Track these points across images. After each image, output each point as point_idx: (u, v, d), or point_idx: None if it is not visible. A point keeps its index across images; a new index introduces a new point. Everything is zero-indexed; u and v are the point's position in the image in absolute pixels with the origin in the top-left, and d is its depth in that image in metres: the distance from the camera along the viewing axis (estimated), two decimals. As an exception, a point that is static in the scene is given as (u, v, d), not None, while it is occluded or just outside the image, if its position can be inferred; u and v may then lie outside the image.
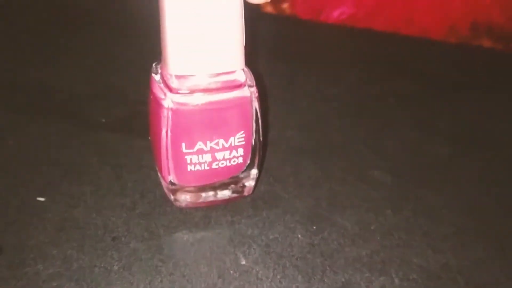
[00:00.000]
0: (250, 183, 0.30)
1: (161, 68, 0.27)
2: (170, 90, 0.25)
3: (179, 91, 0.25)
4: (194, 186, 0.28)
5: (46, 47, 0.42)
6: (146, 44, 0.35)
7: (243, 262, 0.28)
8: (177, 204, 0.29)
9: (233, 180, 0.29)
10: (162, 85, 0.26)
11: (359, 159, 0.35)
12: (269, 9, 0.51)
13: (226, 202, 0.30)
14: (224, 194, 0.29)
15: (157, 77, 0.27)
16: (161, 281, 0.27)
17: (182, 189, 0.28)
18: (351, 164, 0.34)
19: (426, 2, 0.49)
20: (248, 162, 0.28)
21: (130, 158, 0.33)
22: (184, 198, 0.29)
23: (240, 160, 0.28)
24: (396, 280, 0.28)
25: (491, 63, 0.46)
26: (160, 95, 0.26)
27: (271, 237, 0.29)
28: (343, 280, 0.27)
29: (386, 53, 0.45)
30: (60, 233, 0.28)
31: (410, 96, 0.40)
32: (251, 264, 0.28)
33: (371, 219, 0.31)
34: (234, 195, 0.30)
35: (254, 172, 0.29)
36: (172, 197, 0.29)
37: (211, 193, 0.29)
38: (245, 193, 0.30)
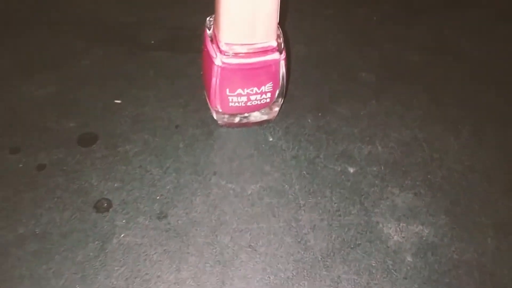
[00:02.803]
0: (274, 113, 0.38)
1: (213, 28, 0.33)
2: (220, 52, 0.32)
3: (226, 53, 0.32)
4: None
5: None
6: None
7: (270, 139, 0.37)
8: (219, 122, 0.37)
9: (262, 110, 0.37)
10: (214, 45, 0.33)
11: (351, 65, 0.43)
12: None
13: (255, 124, 0.38)
14: (254, 118, 0.37)
15: (209, 33, 0.34)
16: (215, 154, 0.36)
17: (223, 113, 0.36)
18: (345, 69, 0.43)
19: None
20: (274, 100, 0.36)
21: (178, 69, 0.41)
22: (223, 118, 0.37)
23: (268, 100, 0.35)
24: (379, 147, 0.37)
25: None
26: (212, 54, 0.33)
27: (288, 122, 0.38)
28: (342, 148, 0.37)
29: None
30: (136, 124, 0.37)
31: (389, 16, 0.49)
32: (276, 140, 0.37)
33: (360, 107, 0.40)
34: (261, 119, 0.38)
35: (277, 105, 0.37)
36: (215, 117, 0.37)
37: (244, 116, 0.37)
38: (270, 118, 0.38)
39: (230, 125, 0.37)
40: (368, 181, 0.35)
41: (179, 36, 0.44)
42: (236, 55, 0.33)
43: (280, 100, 0.37)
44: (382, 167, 0.36)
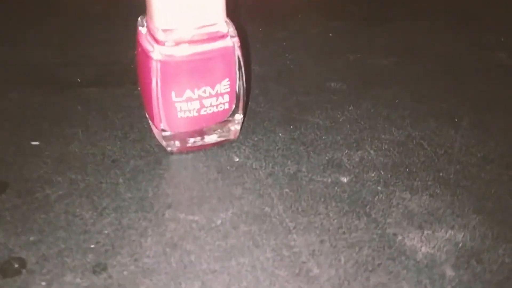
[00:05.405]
0: (235, 127, 0.29)
1: (147, 22, 0.26)
2: (157, 42, 0.24)
3: (166, 43, 0.24)
4: (183, 132, 0.27)
5: (19, 27, 0.41)
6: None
7: (236, 159, 0.28)
8: (169, 149, 0.28)
9: (220, 125, 0.28)
10: (149, 38, 0.25)
11: (316, 77, 0.36)
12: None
13: (213, 145, 0.29)
14: (211, 138, 0.28)
15: (143, 30, 0.26)
16: (167, 183, 0.26)
17: (172, 136, 0.27)
18: (310, 81, 0.35)
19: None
20: (233, 107, 0.27)
21: (112, 102, 0.32)
22: (174, 144, 0.28)
23: (226, 106, 0.27)
24: (371, 152, 0.29)
25: None
26: (148, 47, 0.25)
27: (255, 139, 0.30)
28: (327, 158, 0.28)
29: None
30: (61, 164, 0.27)
31: (347, 31, 0.42)
32: (244, 159, 0.28)
33: (337, 114, 0.32)
34: (221, 139, 0.29)
35: (239, 117, 0.28)
36: (164, 143, 0.28)
37: (199, 138, 0.28)
38: (231, 137, 0.29)
39: (183, 151, 0.28)
40: (369, 189, 0.26)
41: (111, 71, 0.35)
42: (178, 44, 0.24)
43: (241, 116, 0.28)
44: (382, 172, 0.27)
